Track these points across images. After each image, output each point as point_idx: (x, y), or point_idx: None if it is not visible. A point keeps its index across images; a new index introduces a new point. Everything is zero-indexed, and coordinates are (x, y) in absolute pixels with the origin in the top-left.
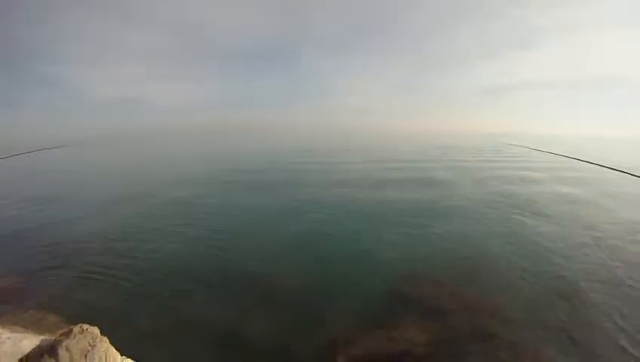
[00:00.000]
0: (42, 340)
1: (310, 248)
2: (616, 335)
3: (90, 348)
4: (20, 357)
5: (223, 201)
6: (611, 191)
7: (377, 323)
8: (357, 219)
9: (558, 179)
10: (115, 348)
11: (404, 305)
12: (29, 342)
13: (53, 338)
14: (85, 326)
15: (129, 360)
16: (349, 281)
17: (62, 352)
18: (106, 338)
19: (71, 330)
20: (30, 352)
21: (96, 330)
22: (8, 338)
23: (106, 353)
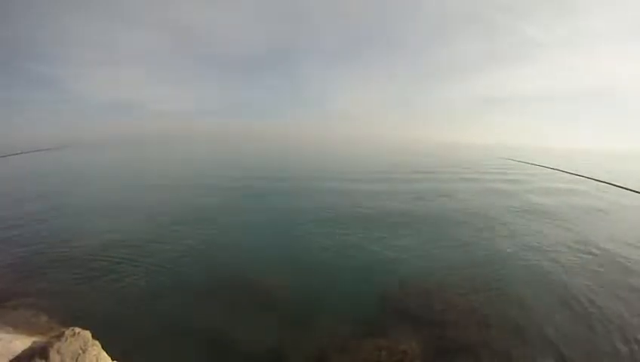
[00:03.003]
0: (34, 342)
1: (301, 255)
2: (614, 346)
3: (81, 352)
4: (10, 358)
5: (217, 207)
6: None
7: (368, 332)
8: (349, 229)
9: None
10: (107, 353)
11: (395, 314)
12: (21, 343)
13: (45, 340)
14: (77, 329)
15: None
16: (339, 290)
17: (53, 355)
18: (97, 343)
19: (63, 333)
20: (21, 354)
21: (88, 334)
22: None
23: (97, 357)
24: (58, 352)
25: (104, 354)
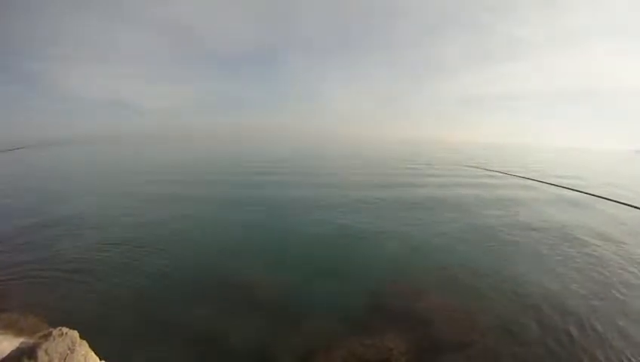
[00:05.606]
0: (22, 342)
1: (289, 254)
2: (599, 345)
3: (69, 352)
4: None
5: (203, 204)
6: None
7: (356, 330)
8: (336, 226)
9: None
10: (95, 352)
11: (383, 313)
12: (8, 343)
13: (33, 340)
14: (65, 329)
15: None
16: (327, 288)
17: (41, 355)
18: (85, 342)
19: (50, 333)
20: (9, 354)
21: (75, 334)
22: None
23: (85, 357)
24: (46, 352)
25: (92, 353)
